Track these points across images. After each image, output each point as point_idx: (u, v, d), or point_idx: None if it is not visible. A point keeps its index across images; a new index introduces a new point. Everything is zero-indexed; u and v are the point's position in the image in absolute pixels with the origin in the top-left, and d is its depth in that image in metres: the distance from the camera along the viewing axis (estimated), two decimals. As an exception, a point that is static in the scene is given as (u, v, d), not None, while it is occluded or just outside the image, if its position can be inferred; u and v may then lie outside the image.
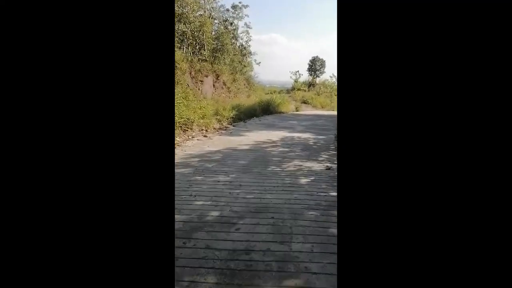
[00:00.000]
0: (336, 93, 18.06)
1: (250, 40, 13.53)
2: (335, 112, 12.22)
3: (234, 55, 12.38)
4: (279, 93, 14.42)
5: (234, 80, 11.93)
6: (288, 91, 20.31)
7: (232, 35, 12.47)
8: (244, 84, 13.34)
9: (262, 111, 9.67)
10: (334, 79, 18.74)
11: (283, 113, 10.77)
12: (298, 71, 22.68)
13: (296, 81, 21.94)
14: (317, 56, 24.24)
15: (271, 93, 13.49)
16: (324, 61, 24.07)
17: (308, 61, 24.63)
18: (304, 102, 16.67)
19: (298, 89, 20.41)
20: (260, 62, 15.23)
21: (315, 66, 24.18)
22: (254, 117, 8.74)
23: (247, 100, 10.71)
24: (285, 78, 22.38)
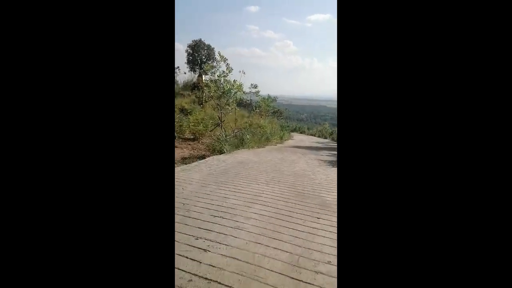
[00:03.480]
0: (235, 103, 8.71)
1: None
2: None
3: None
4: None
5: None
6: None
7: None
8: None
9: None
10: (229, 73, 8.81)
11: None
12: (177, 67, 12.49)
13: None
14: (200, 40, 14.51)
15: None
16: (213, 48, 14.59)
17: (186, 48, 14.60)
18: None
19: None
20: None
21: (198, 56, 14.37)
22: None
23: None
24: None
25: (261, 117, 11.18)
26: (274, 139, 8.58)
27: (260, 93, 10.71)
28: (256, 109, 11.18)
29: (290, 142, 10.03)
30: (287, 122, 21.47)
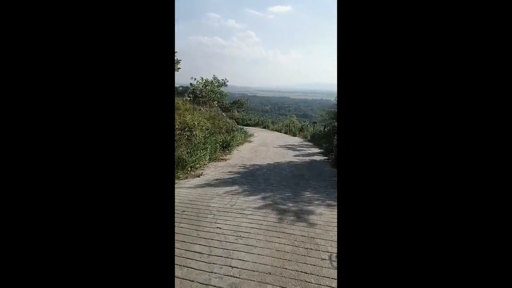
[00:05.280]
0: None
1: None
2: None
3: None
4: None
5: None
6: None
7: None
8: None
9: None
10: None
11: None
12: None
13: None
14: None
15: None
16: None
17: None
18: None
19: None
20: None
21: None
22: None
23: None
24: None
25: (203, 109, 7.14)
26: (204, 155, 4.47)
27: (205, 76, 6.62)
28: (187, 96, 7.05)
29: (244, 151, 6.17)
30: (248, 115, 17.66)
